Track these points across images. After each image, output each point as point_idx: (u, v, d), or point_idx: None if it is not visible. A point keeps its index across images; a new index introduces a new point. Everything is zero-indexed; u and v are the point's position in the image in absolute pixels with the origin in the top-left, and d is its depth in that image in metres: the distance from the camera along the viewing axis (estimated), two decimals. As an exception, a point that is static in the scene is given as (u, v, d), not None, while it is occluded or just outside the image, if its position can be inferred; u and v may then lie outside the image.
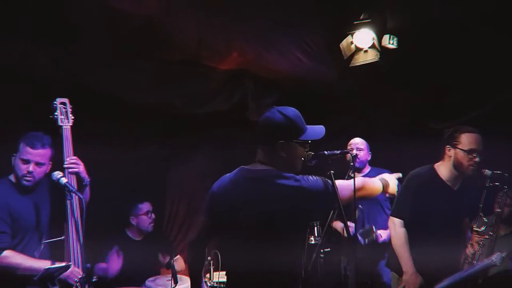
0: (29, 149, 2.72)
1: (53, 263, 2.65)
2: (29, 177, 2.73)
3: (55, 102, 2.88)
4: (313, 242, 4.17)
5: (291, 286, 2.08)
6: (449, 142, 2.97)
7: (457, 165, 2.94)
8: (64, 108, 2.89)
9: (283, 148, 2.08)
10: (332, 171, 2.08)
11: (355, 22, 3.95)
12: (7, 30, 3.21)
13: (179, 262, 4.08)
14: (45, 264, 2.63)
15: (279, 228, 2.02)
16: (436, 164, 3.07)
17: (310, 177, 2.09)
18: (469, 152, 2.87)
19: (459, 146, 2.90)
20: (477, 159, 2.87)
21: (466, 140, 2.90)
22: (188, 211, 5.22)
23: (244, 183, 2.12)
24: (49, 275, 2.34)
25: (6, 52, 3.35)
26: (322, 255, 3.84)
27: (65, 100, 2.92)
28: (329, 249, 3.68)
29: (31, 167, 2.72)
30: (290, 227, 2.03)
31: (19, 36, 3.31)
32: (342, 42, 4.06)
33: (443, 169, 3.01)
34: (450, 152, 2.96)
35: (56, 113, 2.85)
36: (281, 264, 2.01)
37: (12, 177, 2.82)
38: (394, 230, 3.05)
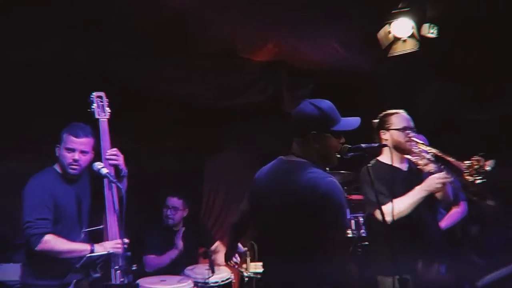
0: (73, 138, 2.81)
1: (92, 246, 2.73)
2: (75, 165, 2.82)
3: (92, 96, 2.96)
4: (350, 235, 4.15)
5: (324, 278, 2.07)
6: (382, 127, 3.01)
7: (396, 146, 2.95)
8: (101, 101, 2.96)
9: (316, 139, 2.08)
10: (369, 164, 2.06)
11: (393, 11, 3.87)
12: (44, 25, 3.31)
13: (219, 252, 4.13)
14: (85, 247, 2.72)
15: (302, 221, 2.00)
16: (377, 157, 3.04)
17: (334, 185, 2.00)
18: (403, 129, 2.93)
19: (393, 127, 2.95)
20: (411, 135, 2.93)
21: (397, 120, 2.96)
22: (224, 201, 5.27)
23: (278, 173, 2.16)
24: (91, 262, 2.43)
25: (43, 47, 3.47)
26: (359, 249, 3.81)
27: (102, 93, 2.99)
28: (367, 243, 3.64)
29: (76, 156, 2.81)
30: (312, 221, 2.00)
31: (55, 31, 3.40)
32: (380, 31, 3.98)
33: (386, 155, 2.99)
34: (386, 135, 2.98)
35: (93, 107, 2.93)
36: (311, 257, 1.98)
37: (57, 167, 2.91)
38: (385, 210, 2.87)
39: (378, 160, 3.01)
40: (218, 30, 3.82)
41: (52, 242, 2.69)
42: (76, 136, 2.81)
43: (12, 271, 3.74)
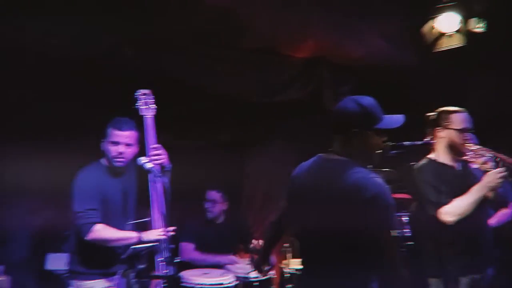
0: (117, 132, 2.90)
1: (140, 234, 2.80)
2: (120, 157, 2.92)
3: (138, 93, 3.04)
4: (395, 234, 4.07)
5: (362, 277, 2.05)
6: (439, 124, 2.86)
7: (451, 145, 2.83)
8: (146, 98, 3.04)
9: (358, 137, 2.04)
10: (413, 163, 2.02)
11: (438, 6, 3.77)
12: (94, 24, 3.42)
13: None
14: (132, 235, 2.81)
15: (348, 222, 1.95)
16: (429, 155, 2.91)
17: (381, 185, 1.96)
18: (462, 130, 2.81)
19: (452, 126, 2.82)
20: (468, 137, 2.82)
21: (457, 119, 2.84)
22: (264, 198, 5.30)
23: (320, 171, 2.12)
24: (136, 253, 2.51)
25: (92, 45, 3.59)
26: (403, 249, 3.74)
27: (147, 91, 3.07)
28: (412, 242, 3.57)
29: (121, 148, 2.90)
30: (359, 222, 1.94)
31: (106, 29, 3.51)
32: (424, 26, 3.89)
33: (439, 153, 2.86)
34: (443, 133, 2.85)
35: (138, 104, 3.01)
36: (350, 257, 1.96)
37: (103, 161, 3.01)
38: (448, 210, 2.75)
39: (431, 159, 2.90)
40: (259, 26, 3.83)
41: (102, 231, 2.79)
42: (120, 129, 2.90)
43: (61, 261, 3.90)
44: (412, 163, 2.08)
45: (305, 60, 4.37)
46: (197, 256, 4.08)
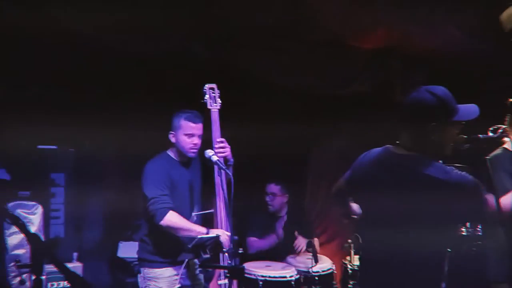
0: (191, 124, 3.00)
1: (208, 230, 2.88)
2: (195, 148, 3.02)
3: (205, 88, 3.10)
4: (464, 233, 3.89)
5: (428, 277, 1.95)
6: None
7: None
8: (213, 93, 3.10)
9: (435, 131, 1.93)
10: (488, 157, 1.90)
11: (518, -9, 3.51)
12: (165, 22, 3.51)
13: (315, 242, 4.13)
14: (202, 230, 2.88)
15: (416, 220, 1.89)
16: (504, 145, 2.72)
17: (462, 172, 1.90)
18: None
19: None
20: None
21: None
22: (329, 192, 5.22)
23: (388, 164, 2.03)
24: (201, 244, 2.56)
25: (164, 41, 3.69)
26: (474, 248, 3.56)
27: (214, 85, 3.13)
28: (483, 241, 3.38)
29: (195, 140, 3.00)
30: (429, 221, 1.89)
31: (175, 25, 3.60)
32: (503, 13, 3.64)
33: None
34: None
35: (206, 98, 3.07)
36: (416, 254, 1.88)
37: (170, 152, 3.11)
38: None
39: (506, 148, 2.74)
40: (327, 17, 3.76)
41: (176, 217, 2.88)
42: (195, 122, 3.00)
43: (132, 249, 4.08)
44: (487, 157, 1.94)
45: (374, 51, 4.23)
46: (261, 244, 4.13)
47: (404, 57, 4.38)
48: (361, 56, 4.27)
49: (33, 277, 1.33)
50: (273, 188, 4.28)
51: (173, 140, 3.06)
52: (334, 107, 4.71)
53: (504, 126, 2.61)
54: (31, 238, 1.37)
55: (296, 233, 4.13)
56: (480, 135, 1.98)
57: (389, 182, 1.99)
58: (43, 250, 1.35)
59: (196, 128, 3.01)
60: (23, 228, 1.45)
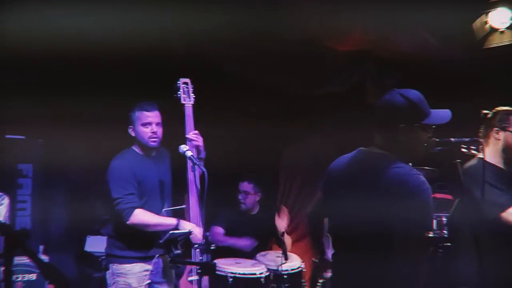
0: (146, 113, 2.97)
1: (178, 221, 2.87)
2: (155, 137, 2.98)
3: (179, 82, 3.08)
4: (431, 235, 3.97)
5: (399, 278, 1.99)
6: (498, 125, 2.71)
7: (506, 149, 2.70)
8: (186, 87, 3.08)
9: (404, 132, 1.97)
10: (459, 160, 1.95)
11: (490, 1, 3.62)
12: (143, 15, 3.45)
13: (287, 240, 4.15)
14: (172, 221, 2.87)
15: (379, 215, 1.91)
16: (478, 155, 2.71)
17: (423, 180, 1.91)
18: None
19: (510, 129, 2.67)
20: None
21: None
22: (301, 190, 5.28)
23: (359, 164, 2.07)
24: (173, 239, 2.53)
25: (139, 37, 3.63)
26: (440, 250, 3.64)
27: (187, 80, 3.11)
28: (449, 244, 3.46)
29: (154, 128, 2.96)
30: (395, 217, 1.90)
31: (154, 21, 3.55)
32: (476, 22, 3.74)
33: (491, 155, 2.70)
34: (499, 135, 2.71)
35: (179, 92, 3.05)
36: (387, 255, 1.90)
37: (135, 148, 3.06)
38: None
39: (482, 159, 2.68)
40: (303, 17, 3.78)
41: (142, 215, 2.86)
42: (149, 110, 2.97)
43: (99, 243, 4.01)
44: (458, 161, 1.99)
45: (349, 53, 4.28)
46: (225, 239, 4.11)
47: (379, 61, 4.46)
48: (337, 58, 4.32)
49: (2, 268, 1.29)
50: (246, 186, 4.29)
51: (133, 134, 3.02)
52: (308, 107, 4.75)
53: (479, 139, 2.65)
54: (1, 227, 1.34)
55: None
56: (452, 139, 2.03)
57: (361, 180, 2.02)
58: (14, 240, 1.31)
59: (152, 116, 2.97)
60: None
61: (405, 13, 3.61)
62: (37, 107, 3.58)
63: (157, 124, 2.98)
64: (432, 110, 2.02)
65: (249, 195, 4.28)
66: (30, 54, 3.35)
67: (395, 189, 1.89)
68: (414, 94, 2.01)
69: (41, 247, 3.79)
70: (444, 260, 3.65)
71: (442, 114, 2.03)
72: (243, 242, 4.08)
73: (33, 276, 3.59)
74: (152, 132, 2.96)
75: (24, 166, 3.79)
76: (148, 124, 2.96)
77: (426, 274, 1.94)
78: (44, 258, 3.68)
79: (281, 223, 4.09)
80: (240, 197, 4.29)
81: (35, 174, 3.84)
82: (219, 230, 4.15)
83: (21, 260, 3.48)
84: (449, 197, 3.79)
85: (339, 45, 4.17)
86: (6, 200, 3.45)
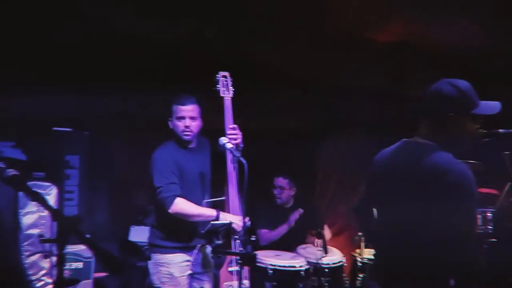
0: (181, 107, 3.00)
1: (218, 212, 2.91)
2: (188, 131, 3.01)
3: (218, 76, 3.11)
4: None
5: (438, 272, 1.93)
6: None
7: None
8: (225, 80, 3.10)
9: (452, 122, 1.94)
10: (507, 152, 1.89)
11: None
12: (178, 8, 3.51)
13: (326, 233, 4.15)
14: (212, 213, 2.91)
15: (427, 207, 1.89)
16: None
17: (468, 172, 1.87)
18: None
19: None
20: None
21: None
22: (339, 185, 5.24)
23: (402, 155, 2.05)
24: (214, 229, 2.57)
25: (177, 29, 3.69)
26: (485, 245, 3.54)
27: (226, 73, 3.13)
28: (495, 240, 3.36)
29: (187, 122, 3.00)
30: (433, 207, 1.89)
31: (189, 13, 3.60)
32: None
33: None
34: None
35: (218, 86, 3.08)
36: (426, 244, 1.89)
37: (174, 140, 3.11)
38: None
39: None
40: (341, 8, 3.74)
41: (183, 204, 2.90)
42: (183, 104, 3.00)
43: (143, 233, 4.12)
44: (506, 153, 1.94)
45: (388, 44, 4.20)
46: (272, 235, 4.15)
47: (419, 52, 4.35)
48: (375, 49, 4.25)
49: (55, 254, 1.35)
50: (281, 181, 4.31)
51: (171, 126, 3.07)
52: (346, 98, 4.69)
53: None
54: (55, 213, 1.40)
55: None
56: (501, 130, 1.98)
57: (405, 171, 1.99)
58: (68, 226, 1.37)
59: (186, 110, 2.99)
60: (44, 203, 1.48)
61: (445, 1, 3.52)
62: (83, 101, 3.71)
63: (191, 118, 3.01)
64: (481, 101, 1.98)
65: (284, 190, 4.30)
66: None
67: (438, 178, 1.86)
68: (463, 83, 1.98)
69: (87, 236, 3.91)
70: (490, 256, 3.56)
71: (492, 105, 1.98)
72: (280, 230, 4.12)
73: (80, 265, 3.72)
74: (185, 126, 3.00)
75: (71, 158, 3.93)
76: (182, 118, 3.00)
77: (481, 262, 1.90)
78: (90, 246, 3.81)
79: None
80: (275, 192, 4.31)
81: (82, 165, 3.97)
82: (266, 232, 4.19)
83: (69, 248, 3.64)
84: (494, 191, 3.67)
85: (379, 36, 4.10)
86: (54, 190, 3.59)
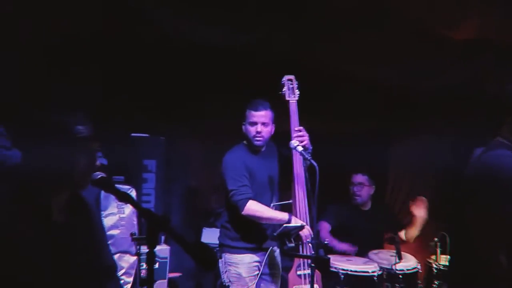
0: (253, 113, 3.06)
1: (290, 216, 2.92)
2: (259, 136, 3.07)
3: (283, 79, 3.14)
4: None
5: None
6: None
7: None
8: (291, 84, 3.14)
9: None
10: None
11: None
12: (243, 14, 3.56)
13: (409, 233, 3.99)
14: (284, 216, 2.92)
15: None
16: None
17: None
18: None
19: None
20: None
21: None
22: (411, 188, 5.08)
23: (477, 158, 1.98)
24: (287, 232, 2.59)
25: (238, 35, 3.76)
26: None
27: (292, 77, 3.17)
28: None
29: (258, 128, 3.05)
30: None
31: (257, 18, 3.64)
32: None
33: None
34: None
35: (284, 89, 3.12)
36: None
37: (245, 143, 3.18)
38: None
39: None
40: (413, 5, 3.63)
41: (256, 206, 2.95)
42: (256, 110, 3.05)
43: (214, 235, 4.21)
44: None
45: (466, 42, 4.02)
46: (329, 237, 4.00)
47: (498, 49, 4.13)
48: (453, 47, 4.07)
49: (147, 250, 1.43)
50: (361, 178, 4.19)
51: (244, 130, 3.14)
52: (421, 99, 4.55)
53: None
54: (145, 211, 1.48)
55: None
56: None
57: (474, 175, 1.95)
58: (159, 223, 1.44)
59: (258, 115, 3.04)
60: (134, 202, 1.56)
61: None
62: (159, 107, 3.87)
63: (262, 123, 3.06)
64: None
65: (364, 186, 4.17)
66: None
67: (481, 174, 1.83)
68: None
69: (163, 237, 4.08)
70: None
71: None
72: (343, 247, 3.96)
73: (155, 265, 3.88)
74: (257, 132, 3.05)
75: (148, 162, 4.11)
76: (254, 123, 3.06)
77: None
78: (166, 247, 3.96)
79: (420, 211, 3.92)
80: (355, 189, 4.17)
81: (158, 169, 4.14)
82: (325, 225, 4.08)
83: (145, 249, 3.80)
84: None
85: (454, 33, 3.93)
86: (133, 193, 3.78)
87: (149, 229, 1.41)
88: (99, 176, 1.62)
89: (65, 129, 1.57)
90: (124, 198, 1.53)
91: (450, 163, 3.52)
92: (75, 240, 1.68)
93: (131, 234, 3.19)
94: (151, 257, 1.39)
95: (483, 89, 4.19)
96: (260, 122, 3.05)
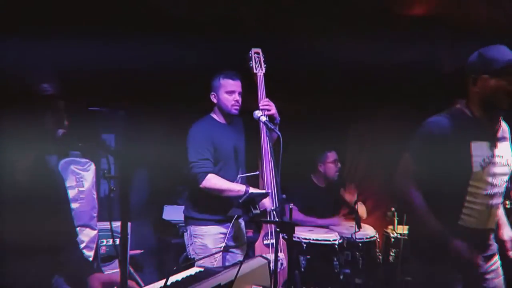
0: (231, 81, 3.04)
1: (248, 187, 2.93)
2: (237, 105, 3.06)
3: (250, 52, 3.13)
4: (508, 206, 3.81)
5: None
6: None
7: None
8: (258, 57, 3.13)
9: (476, 83, 2.11)
10: None
11: None
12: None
13: (360, 209, 4.11)
14: (241, 188, 2.94)
15: None
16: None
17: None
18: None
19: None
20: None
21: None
22: (368, 166, 5.21)
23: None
24: (251, 199, 2.59)
25: (213, 6, 3.71)
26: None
27: (259, 50, 3.16)
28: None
29: (237, 97, 3.05)
30: None
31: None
32: None
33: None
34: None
35: (251, 62, 3.11)
36: None
37: (213, 115, 3.15)
38: None
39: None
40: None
41: (214, 180, 2.94)
42: (233, 79, 3.05)
43: (176, 212, 4.19)
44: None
45: (419, 19, 4.12)
46: (301, 217, 4.07)
47: (453, 27, 4.26)
48: (404, 25, 4.17)
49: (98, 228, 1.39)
50: (335, 155, 4.26)
51: (214, 100, 3.10)
52: (378, 78, 4.64)
53: None
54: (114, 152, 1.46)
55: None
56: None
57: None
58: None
59: (235, 84, 3.05)
60: (104, 146, 1.56)
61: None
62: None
63: (239, 93, 3.06)
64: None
65: (338, 162, 4.25)
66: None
67: None
68: (489, 48, 2.14)
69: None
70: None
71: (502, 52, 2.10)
72: (328, 222, 4.01)
73: (116, 241, 3.79)
74: (235, 100, 3.04)
75: (107, 137, 4.01)
76: (232, 92, 3.04)
77: None
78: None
79: (350, 197, 4.08)
80: (334, 165, 4.23)
81: (117, 144, 4.04)
82: (295, 208, 4.12)
83: (104, 225, 3.72)
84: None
85: (407, 10, 4.02)
86: (92, 167, 3.68)
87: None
88: (61, 134, 1.59)
89: (29, 87, 1.55)
90: (92, 147, 1.50)
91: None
92: (36, 200, 1.65)
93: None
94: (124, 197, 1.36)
95: (440, 65, 4.33)
96: (237, 91, 3.05)
